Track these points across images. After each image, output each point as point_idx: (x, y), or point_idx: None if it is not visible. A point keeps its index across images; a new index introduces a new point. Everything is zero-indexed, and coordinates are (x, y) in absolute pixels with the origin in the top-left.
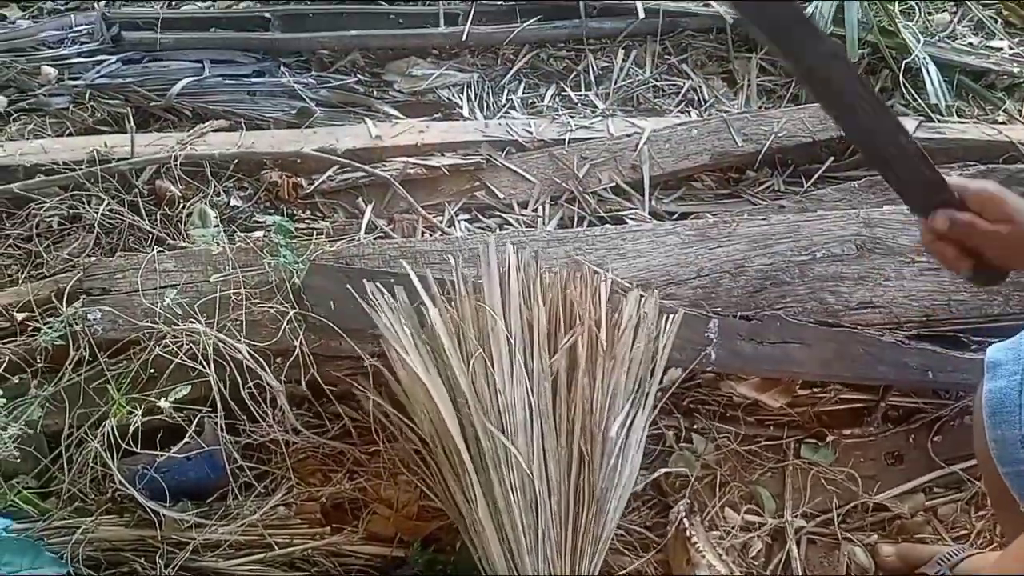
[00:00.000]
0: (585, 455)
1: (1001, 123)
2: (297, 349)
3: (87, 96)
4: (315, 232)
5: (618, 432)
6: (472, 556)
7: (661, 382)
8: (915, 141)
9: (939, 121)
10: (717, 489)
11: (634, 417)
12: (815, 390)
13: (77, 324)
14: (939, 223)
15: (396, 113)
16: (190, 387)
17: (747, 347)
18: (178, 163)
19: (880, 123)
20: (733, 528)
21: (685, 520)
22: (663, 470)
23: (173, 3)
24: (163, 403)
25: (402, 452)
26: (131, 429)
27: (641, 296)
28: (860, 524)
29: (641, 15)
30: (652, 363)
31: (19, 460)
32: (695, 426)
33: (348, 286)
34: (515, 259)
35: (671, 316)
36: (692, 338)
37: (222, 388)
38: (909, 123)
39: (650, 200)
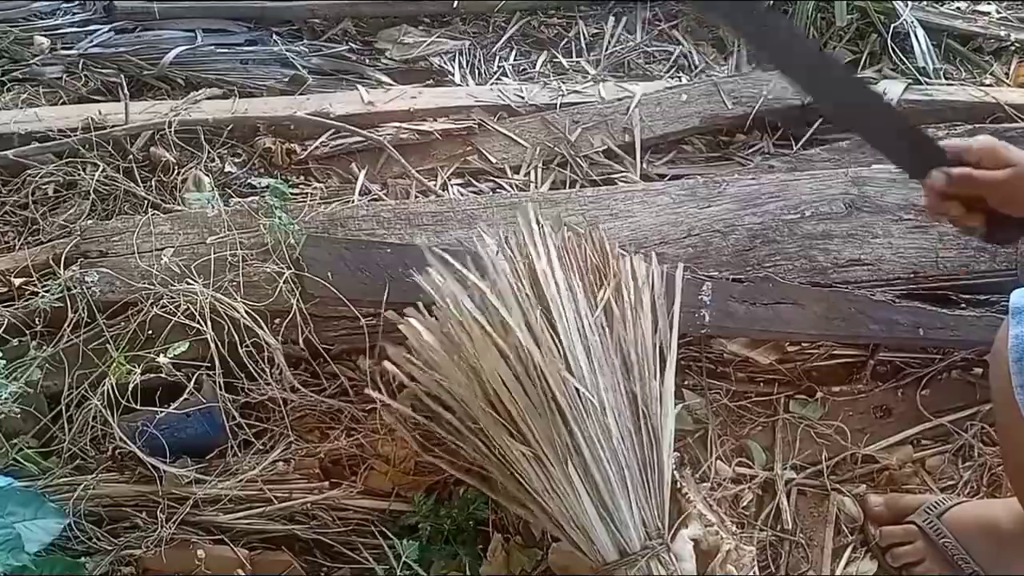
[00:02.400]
0: (639, 400)
1: (988, 86)
2: (293, 308)
3: (80, 66)
4: (309, 196)
5: (658, 375)
6: (469, 504)
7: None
8: (898, 109)
9: (927, 84)
10: (708, 443)
11: (665, 361)
12: (804, 346)
13: (75, 287)
14: (935, 180)
15: (388, 80)
16: (188, 344)
17: (740, 309)
18: (172, 129)
19: (860, 96)
20: (724, 480)
21: (676, 472)
22: None
23: None
24: (162, 359)
25: (401, 412)
26: (130, 387)
27: (646, 259)
28: (849, 476)
29: None
30: (668, 316)
31: (20, 418)
32: (686, 382)
33: (345, 258)
34: (542, 224)
35: (675, 273)
36: (686, 301)
37: (220, 347)
38: (897, 86)
39: (641, 163)
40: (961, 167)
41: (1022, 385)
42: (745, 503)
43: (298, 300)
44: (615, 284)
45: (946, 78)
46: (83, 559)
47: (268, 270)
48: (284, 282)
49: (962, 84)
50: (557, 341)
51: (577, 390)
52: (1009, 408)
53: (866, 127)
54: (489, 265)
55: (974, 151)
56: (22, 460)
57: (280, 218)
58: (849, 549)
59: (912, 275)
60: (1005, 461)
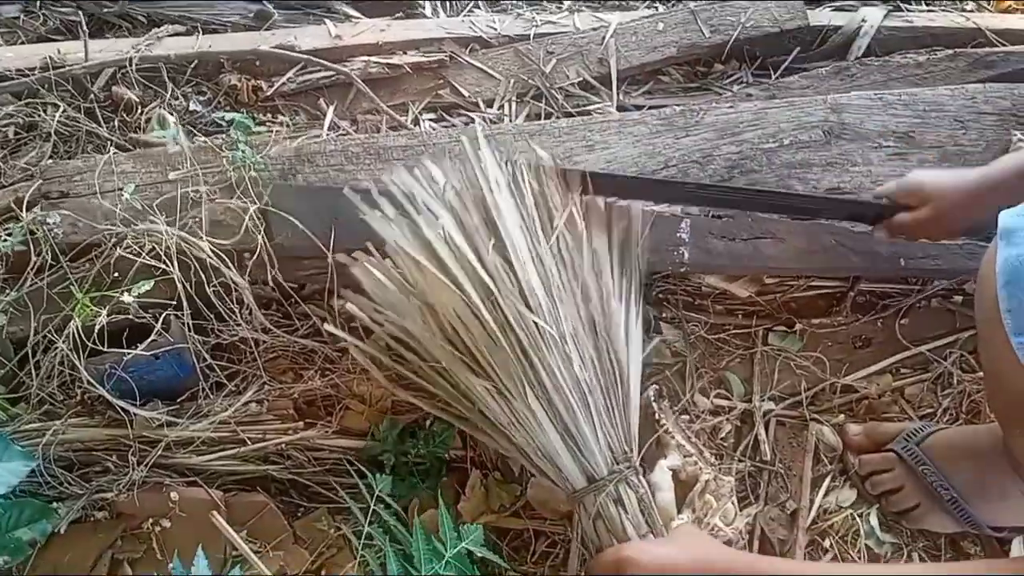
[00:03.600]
0: (600, 326)
1: (969, 11)
2: (259, 246)
3: (38, 4)
4: (275, 132)
5: (620, 302)
6: (435, 438)
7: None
8: (829, 197)
9: (907, 10)
10: (686, 376)
11: (629, 289)
12: (783, 279)
13: (37, 229)
14: (880, 237)
15: (356, 13)
16: (153, 282)
17: (719, 245)
18: (134, 66)
19: (788, 204)
20: (703, 412)
21: (654, 404)
22: None
23: None
24: (126, 297)
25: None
26: (96, 329)
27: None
28: (828, 406)
29: None
30: (631, 241)
31: None
32: (664, 315)
33: (312, 206)
34: (494, 153)
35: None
36: (664, 239)
37: (187, 287)
38: (878, 12)
39: (618, 94)
40: (896, 218)
41: (1010, 309)
42: (724, 434)
43: (263, 239)
44: (568, 212)
45: (927, 4)
46: (55, 504)
47: (233, 207)
48: (249, 219)
49: (944, 10)
50: (511, 272)
51: (534, 321)
52: (994, 332)
53: (806, 215)
54: (436, 198)
55: (901, 195)
56: None
57: (244, 152)
58: (828, 478)
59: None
60: (987, 386)
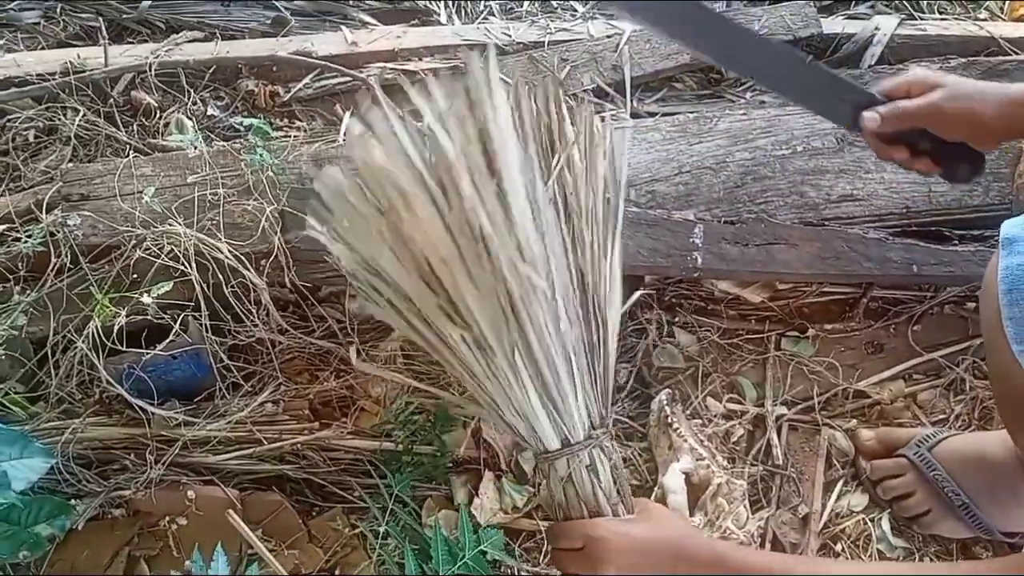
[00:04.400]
0: (588, 281)
1: (983, 20)
2: (276, 248)
3: (59, 10)
4: (292, 137)
5: (606, 255)
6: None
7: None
8: (814, 62)
9: (920, 19)
10: (699, 380)
11: (613, 236)
12: (796, 284)
13: (57, 231)
14: (867, 122)
15: (372, 21)
16: (172, 283)
17: (733, 251)
18: (153, 72)
19: (772, 55)
20: (715, 416)
21: (667, 408)
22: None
23: None
24: (146, 298)
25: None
26: (115, 329)
27: (602, 119)
28: (840, 411)
29: None
30: (616, 183)
31: (6, 364)
32: (677, 319)
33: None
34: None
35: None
36: (677, 244)
37: (205, 288)
38: (891, 20)
39: (631, 101)
40: (891, 103)
41: (1011, 317)
42: (736, 438)
43: (280, 241)
44: (569, 149)
45: (940, 13)
46: (73, 501)
47: (250, 210)
48: (266, 220)
49: (956, 18)
50: (509, 217)
51: (527, 274)
52: (997, 340)
53: (787, 85)
54: (436, 122)
55: (902, 84)
56: (9, 405)
57: (261, 156)
58: (840, 483)
59: (905, 210)
60: (994, 393)
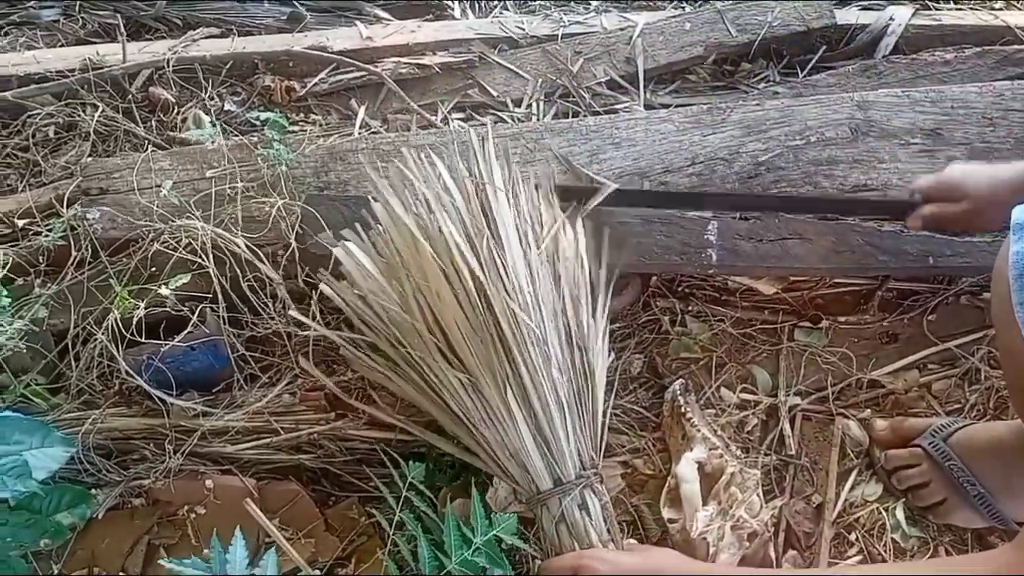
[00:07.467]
0: (575, 336)
1: (998, 9)
2: (292, 243)
3: (77, 8)
4: (308, 131)
5: (593, 318)
6: None
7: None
8: (856, 197)
9: (935, 9)
10: (713, 370)
11: (601, 307)
12: (810, 276)
13: (77, 225)
14: (912, 226)
15: (386, 16)
16: (189, 276)
17: (747, 246)
18: (171, 67)
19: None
20: (729, 406)
21: (680, 398)
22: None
23: None
24: (164, 290)
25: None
26: (135, 321)
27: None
28: (854, 401)
29: None
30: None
31: (27, 356)
32: (690, 309)
33: (342, 215)
34: (499, 154)
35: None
36: (691, 241)
37: (222, 281)
38: (906, 10)
39: (645, 93)
40: (928, 207)
41: (1022, 302)
42: (749, 428)
43: (296, 236)
44: (558, 226)
45: (955, 2)
46: (93, 490)
47: (266, 204)
48: (281, 216)
49: (972, 8)
50: (503, 267)
51: (520, 318)
52: (1010, 327)
53: (841, 213)
54: (440, 187)
55: (935, 191)
56: (31, 396)
57: (278, 150)
58: (854, 472)
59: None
60: (1006, 379)
